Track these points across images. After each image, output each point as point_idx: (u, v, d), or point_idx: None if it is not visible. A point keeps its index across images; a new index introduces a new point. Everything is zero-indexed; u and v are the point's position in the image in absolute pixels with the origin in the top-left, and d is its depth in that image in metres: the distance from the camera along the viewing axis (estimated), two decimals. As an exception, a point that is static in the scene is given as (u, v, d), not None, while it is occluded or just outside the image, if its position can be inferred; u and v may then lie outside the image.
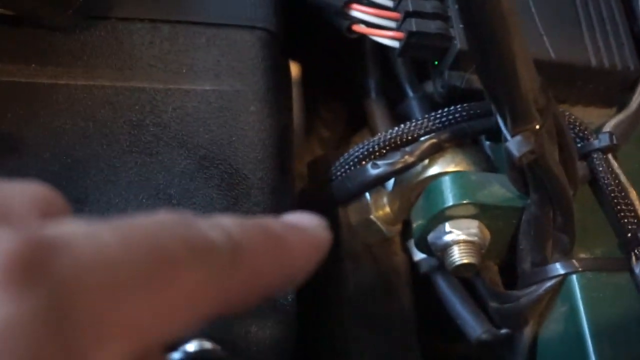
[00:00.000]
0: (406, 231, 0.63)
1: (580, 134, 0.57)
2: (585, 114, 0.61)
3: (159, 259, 0.24)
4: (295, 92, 0.89)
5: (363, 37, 0.60)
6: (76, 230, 0.24)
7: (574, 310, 0.53)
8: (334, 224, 0.59)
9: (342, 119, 0.84)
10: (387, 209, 0.60)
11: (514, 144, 0.46)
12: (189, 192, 0.53)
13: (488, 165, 0.58)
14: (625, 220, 0.55)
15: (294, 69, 0.91)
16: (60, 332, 0.21)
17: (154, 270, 0.24)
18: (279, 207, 0.55)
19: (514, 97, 0.44)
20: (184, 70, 0.57)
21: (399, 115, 0.67)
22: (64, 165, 0.52)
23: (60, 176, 0.52)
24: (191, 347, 0.44)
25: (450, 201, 0.54)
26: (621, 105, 0.61)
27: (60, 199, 0.28)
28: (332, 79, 0.85)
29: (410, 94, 0.66)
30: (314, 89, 0.89)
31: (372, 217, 0.60)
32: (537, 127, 0.46)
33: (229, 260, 0.26)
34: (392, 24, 0.57)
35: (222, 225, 0.27)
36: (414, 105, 0.65)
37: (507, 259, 0.59)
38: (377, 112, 0.67)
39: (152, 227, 0.25)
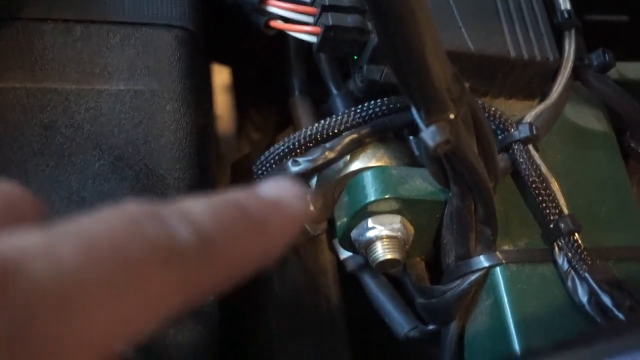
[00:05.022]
0: (332, 229, 0.62)
1: (501, 126, 0.57)
2: (507, 107, 0.61)
3: (123, 267, 0.23)
4: (226, 96, 0.88)
5: (286, 35, 0.60)
6: (34, 244, 0.22)
7: (498, 302, 0.53)
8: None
9: (273, 121, 0.84)
10: (311, 207, 0.59)
11: (429, 134, 0.45)
12: (103, 194, 0.52)
13: (411, 159, 0.58)
14: (547, 211, 0.55)
15: (225, 73, 0.90)
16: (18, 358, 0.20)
17: (118, 280, 0.23)
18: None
19: (426, 87, 0.43)
20: (98, 70, 0.56)
21: (323, 113, 0.66)
22: (-28, 169, 0.51)
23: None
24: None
25: (371, 197, 0.54)
26: (543, 97, 0.61)
27: (29, 199, 0.26)
28: (262, 81, 0.84)
29: (334, 91, 0.65)
30: (245, 92, 0.88)
31: (296, 216, 0.59)
32: (452, 116, 0.45)
33: (200, 255, 0.25)
34: (309, 19, 0.57)
35: (191, 215, 0.25)
36: (338, 103, 0.64)
37: (433, 254, 0.59)
38: (301, 110, 0.66)
39: (115, 228, 0.23)
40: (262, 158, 0.58)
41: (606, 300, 0.51)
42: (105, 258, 0.23)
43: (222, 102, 0.90)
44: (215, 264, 0.25)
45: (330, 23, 0.55)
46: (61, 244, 0.22)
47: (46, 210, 0.27)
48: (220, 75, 0.90)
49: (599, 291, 0.51)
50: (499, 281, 0.53)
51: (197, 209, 0.26)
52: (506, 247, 0.55)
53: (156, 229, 0.24)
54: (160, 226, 0.24)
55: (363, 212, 0.54)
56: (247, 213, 0.27)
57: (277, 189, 0.29)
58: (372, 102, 0.57)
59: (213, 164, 0.60)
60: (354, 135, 0.56)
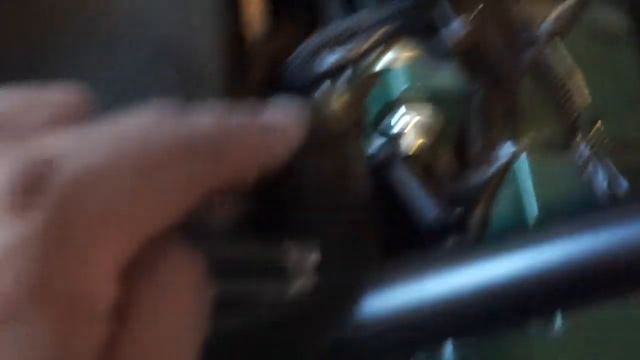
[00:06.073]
0: (362, 123, 0.65)
1: (526, 21, 0.58)
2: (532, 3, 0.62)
3: (150, 162, 0.25)
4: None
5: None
6: (71, 144, 0.24)
7: (521, 189, 0.55)
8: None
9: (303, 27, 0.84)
10: (343, 99, 0.61)
11: (455, 27, 0.46)
12: (143, 86, 0.53)
13: (441, 53, 0.59)
14: (569, 102, 0.56)
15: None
16: (60, 251, 0.22)
17: (146, 174, 0.25)
18: (235, 95, 0.56)
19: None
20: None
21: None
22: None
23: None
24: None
25: (402, 87, 0.56)
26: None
27: (80, 102, 0.28)
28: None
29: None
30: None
31: (328, 108, 0.61)
32: (478, 9, 0.47)
33: (215, 156, 0.27)
34: None
35: (206, 122, 0.28)
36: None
37: (460, 144, 0.61)
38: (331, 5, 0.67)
39: (143, 128, 0.26)
40: (299, 49, 0.60)
41: (624, 184, 0.53)
42: (134, 157, 0.25)
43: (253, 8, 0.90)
44: (224, 167, 0.28)
45: None
46: (96, 143, 0.25)
47: (98, 109, 0.29)
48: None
49: (618, 175, 0.53)
50: (521, 169, 0.56)
51: (208, 119, 0.28)
52: (529, 138, 0.57)
53: (176, 128, 0.26)
54: (179, 126, 0.27)
55: (394, 102, 0.57)
56: (251, 128, 0.29)
57: (276, 115, 0.31)
58: (404, -4, 0.58)
59: (249, 52, 0.61)
60: (385, 30, 0.57)
